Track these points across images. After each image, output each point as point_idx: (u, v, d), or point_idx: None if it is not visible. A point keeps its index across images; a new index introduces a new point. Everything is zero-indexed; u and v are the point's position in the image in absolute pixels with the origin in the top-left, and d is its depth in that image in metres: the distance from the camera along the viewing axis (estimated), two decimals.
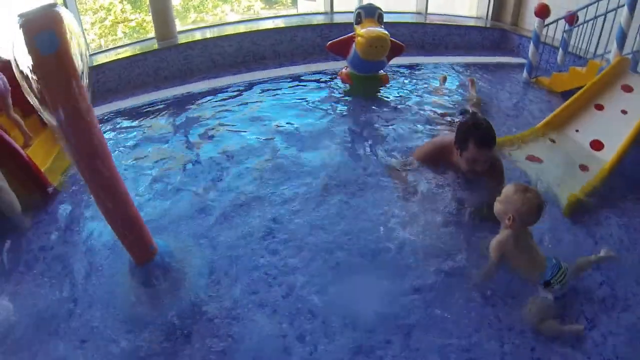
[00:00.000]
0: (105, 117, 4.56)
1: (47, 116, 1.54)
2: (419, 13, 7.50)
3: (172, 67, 5.82)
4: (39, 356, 2.03)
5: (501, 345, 2.01)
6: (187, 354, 2.00)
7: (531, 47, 5.24)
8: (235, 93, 5.05)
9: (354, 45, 4.47)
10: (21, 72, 1.48)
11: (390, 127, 4.05)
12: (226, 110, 4.55)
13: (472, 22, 7.38)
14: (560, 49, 5.24)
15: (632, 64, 4.07)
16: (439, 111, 4.38)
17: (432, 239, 2.54)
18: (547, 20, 5.08)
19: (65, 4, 5.34)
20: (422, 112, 4.39)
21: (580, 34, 4.89)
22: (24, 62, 1.46)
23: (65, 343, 2.07)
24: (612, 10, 4.36)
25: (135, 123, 4.44)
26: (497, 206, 2.22)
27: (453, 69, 5.87)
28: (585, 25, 4.79)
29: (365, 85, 4.77)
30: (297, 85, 5.24)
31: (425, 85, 5.21)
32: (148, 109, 4.78)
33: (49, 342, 2.08)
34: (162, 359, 1.99)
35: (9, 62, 3.28)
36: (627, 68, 3.93)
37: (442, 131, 3.85)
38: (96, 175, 1.78)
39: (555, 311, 2.08)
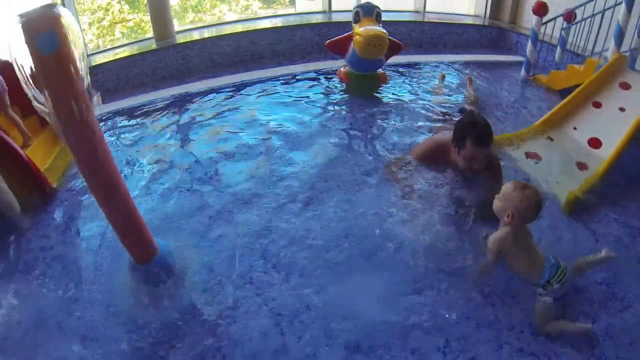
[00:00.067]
0: (104, 117, 4.56)
1: (47, 115, 1.54)
2: (416, 12, 7.50)
3: (170, 67, 5.82)
4: (39, 356, 2.03)
5: (500, 346, 2.01)
6: (187, 353, 2.00)
7: (529, 45, 5.25)
8: (233, 93, 5.05)
9: (352, 44, 4.47)
10: (21, 72, 1.48)
11: (388, 125, 4.06)
12: (225, 110, 4.55)
13: (470, 21, 7.39)
14: (558, 46, 5.25)
15: (630, 61, 4.07)
16: (437, 109, 4.39)
17: (431, 237, 2.54)
18: (545, 18, 5.09)
19: (63, 4, 5.33)
20: (420, 110, 4.39)
21: (578, 32, 4.90)
22: (24, 62, 1.46)
23: (65, 343, 2.07)
24: (609, 8, 4.36)
25: (133, 123, 4.44)
26: (496, 203, 2.22)
27: (451, 67, 5.88)
28: (583, 22, 4.80)
29: (364, 84, 4.78)
30: (296, 85, 5.24)
31: (424, 84, 5.21)
32: (146, 109, 4.78)
33: (49, 342, 2.08)
34: (163, 358, 1.99)
35: (7, 62, 3.29)
36: (625, 65, 3.94)
37: (440, 129, 3.85)
38: (97, 174, 1.79)
39: (556, 312, 2.08)
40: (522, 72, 5.43)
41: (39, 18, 1.45)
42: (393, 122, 4.12)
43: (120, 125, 4.42)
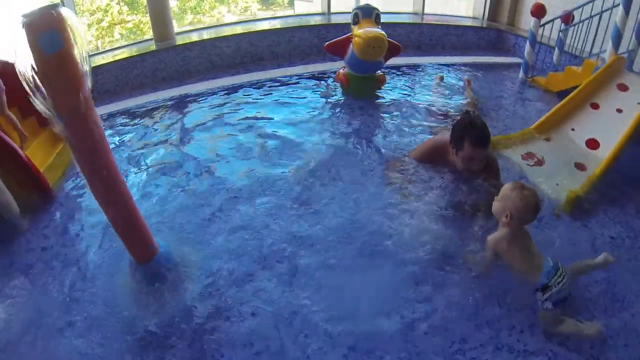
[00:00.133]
0: (103, 118, 4.56)
1: (49, 115, 1.55)
2: (415, 13, 7.53)
3: (170, 68, 5.83)
4: (39, 356, 2.03)
5: (500, 346, 2.02)
6: (187, 353, 2.00)
7: (527, 47, 5.27)
8: (233, 94, 5.06)
9: (351, 45, 4.49)
10: (23, 71, 1.49)
11: (387, 127, 4.07)
12: (224, 111, 4.56)
13: (468, 22, 7.42)
14: (556, 48, 5.28)
15: (628, 63, 4.09)
16: (436, 111, 4.41)
17: (430, 238, 2.55)
18: (543, 20, 5.12)
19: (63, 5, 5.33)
20: (418, 112, 4.41)
21: (576, 34, 4.92)
22: (27, 61, 1.47)
23: (65, 343, 2.07)
24: (607, 10, 4.39)
25: (133, 124, 4.45)
26: (495, 204, 2.24)
27: (450, 69, 5.90)
28: (580, 24, 4.83)
29: (363, 85, 4.79)
30: (295, 86, 5.25)
31: (422, 86, 5.24)
32: (146, 110, 4.79)
33: (48, 342, 2.08)
34: (163, 358, 1.99)
35: (6, 62, 3.30)
36: (623, 67, 3.96)
37: (438, 131, 3.87)
38: (98, 174, 1.79)
39: (561, 315, 2.08)
40: (521, 74, 5.45)
41: (43, 18, 1.46)
42: (391, 124, 4.13)
43: (119, 126, 4.43)
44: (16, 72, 1.55)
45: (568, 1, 5.33)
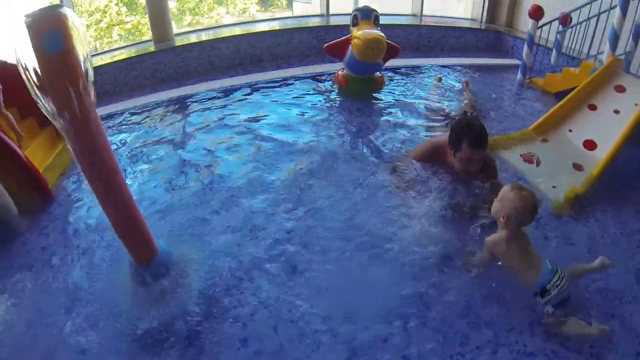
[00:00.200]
0: (103, 119, 4.55)
1: (50, 115, 1.56)
2: (414, 15, 7.56)
3: (169, 69, 5.84)
4: (38, 357, 2.03)
5: (500, 346, 2.02)
6: (187, 353, 2.01)
7: (525, 49, 5.30)
8: (232, 95, 5.07)
9: (350, 47, 4.51)
10: (25, 71, 1.49)
11: (385, 128, 4.09)
12: (224, 112, 4.57)
13: (467, 24, 7.45)
14: (554, 50, 5.31)
15: (625, 64, 4.13)
16: (434, 112, 4.43)
17: (428, 239, 2.55)
18: (541, 22, 5.14)
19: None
20: (417, 113, 4.43)
21: (574, 35, 4.95)
22: (28, 61, 1.48)
23: (65, 344, 2.07)
24: (604, 12, 4.42)
25: (132, 125, 4.46)
26: (494, 205, 2.24)
27: (448, 70, 5.92)
28: (578, 26, 4.86)
29: (362, 87, 4.81)
30: (294, 88, 5.27)
31: (420, 87, 5.25)
32: (145, 111, 4.80)
33: (49, 342, 2.08)
34: (163, 358, 2.00)
35: (4, 62, 3.30)
36: (620, 68, 3.99)
37: (437, 132, 3.89)
38: (99, 174, 1.80)
39: (565, 316, 2.07)
40: (519, 75, 5.48)
41: (45, 18, 1.47)
42: (390, 125, 4.14)
43: (118, 127, 4.43)
44: (15, 72, 1.56)
45: (566, 3, 5.37)
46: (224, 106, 4.75)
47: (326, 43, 4.85)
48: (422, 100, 4.80)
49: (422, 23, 7.22)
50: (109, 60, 5.58)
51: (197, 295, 2.24)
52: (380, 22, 4.68)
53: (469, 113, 4.24)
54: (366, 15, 4.55)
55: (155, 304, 2.16)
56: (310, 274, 2.40)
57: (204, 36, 6.33)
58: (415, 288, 2.29)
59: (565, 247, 2.60)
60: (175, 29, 6.37)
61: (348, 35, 4.64)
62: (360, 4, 4.78)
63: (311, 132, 4.01)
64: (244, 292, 2.30)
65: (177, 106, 4.88)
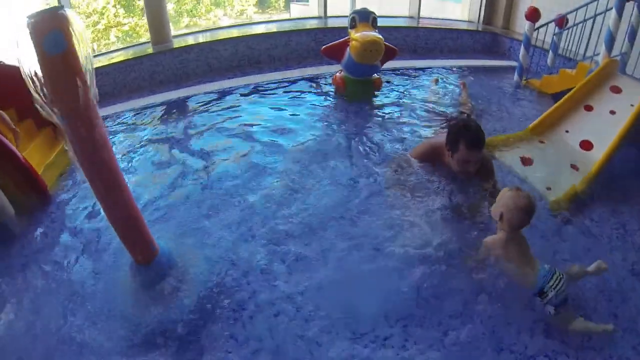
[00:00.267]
0: None
1: (51, 115, 1.57)
2: (411, 17, 7.59)
3: (167, 71, 5.85)
4: (39, 357, 2.03)
5: (499, 346, 2.03)
6: (188, 354, 2.01)
7: (522, 50, 5.33)
8: (230, 97, 5.08)
9: (348, 49, 4.52)
10: (27, 72, 1.50)
11: (383, 129, 4.09)
12: (222, 114, 4.58)
13: (464, 26, 7.49)
14: (551, 51, 5.34)
15: (621, 65, 4.15)
16: (431, 113, 4.45)
17: (428, 239, 2.56)
18: (538, 24, 5.17)
19: None
20: (414, 114, 4.45)
21: (570, 37, 4.98)
22: (30, 62, 1.49)
23: (65, 344, 2.07)
24: (600, 14, 4.44)
25: (131, 126, 4.46)
26: (493, 206, 2.27)
27: (445, 72, 5.95)
28: (574, 28, 4.89)
29: (359, 88, 4.82)
30: (292, 90, 5.28)
31: (418, 88, 5.28)
32: (144, 112, 4.80)
33: (48, 343, 2.08)
34: (162, 358, 2.00)
35: (4, 63, 3.28)
36: (616, 70, 4.02)
37: (434, 133, 3.91)
38: (99, 174, 1.80)
39: (569, 315, 2.09)
40: (515, 77, 5.51)
41: (47, 19, 1.48)
42: (388, 127, 4.15)
43: (117, 128, 4.43)
44: (13, 74, 1.57)
45: (562, 5, 5.40)
46: (222, 108, 4.75)
47: (324, 45, 4.87)
48: (419, 101, 4.82)
49: (420, 25, 7.24)
50: (107, 62, 5.58)
51: (197, 295, 2.24)
52: (378, 24, 4.70)
53: (466, 114, 4.26)
54: (364, 17, 4.57)
55: (155, 304, 2.16)
56: (309, 273, 2.41)
57: (202, 38, 6.34)
58: (414, 288, 2.30)
59: (563, 246, 2.62)
60: (173, 31, 6.38)
61: (346, 38, 4.66)
62: (358, 6, 4.80)
63: (309, 134, 4.02)
64: (243, 292, 2.31)
65: (175, 108, 4.89)
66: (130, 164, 3.65)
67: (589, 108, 3.80)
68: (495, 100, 5.00)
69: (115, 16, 13.78)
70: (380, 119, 4.38)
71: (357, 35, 4.37)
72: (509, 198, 2.18)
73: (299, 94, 5.14)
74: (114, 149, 3.83)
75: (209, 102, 4.96)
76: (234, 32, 6.56)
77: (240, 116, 4.50)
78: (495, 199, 2.28)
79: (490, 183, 2.84)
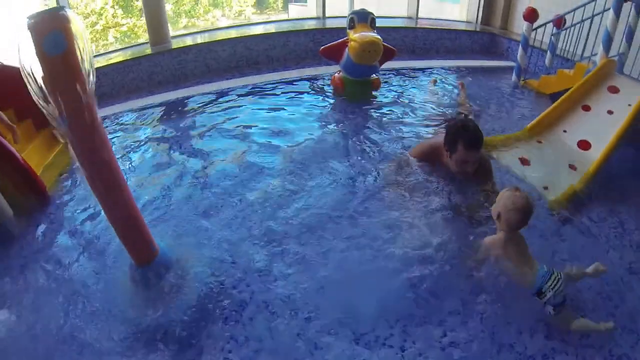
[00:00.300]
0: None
1: (51, 116, 1.57)
2: (409, 18, 7.60)
3: (166, 71, 5.85)
4: (40, 359, 2.04)
5: (499, 346, 2.04)
6: (188, 354, 2.01)
7: (520, 51, 5.35)
8: (229, 98, 5.08)
9: (347, 49, 4.53)
10: (28, 73, 1.50)
11: (381, 130, 4.10)
12: (220, 115, 4.58)
13: (462, 27, 7.51)
14: (549, 51, 5.36)
15: (618, 65, 4.17)
16: (430, 113, 4.46)
17: (426, 238, 2.56)
18: (536, 24, 5.19)
19: None
20: (413, 114, 4.46)
21: (568, 37, 5.00)
22: (30, 63, 1.49)
23: (65, 345, 2.07)
24: (598, 14, 4.47)
25: (129, 127, 4.46)
26: (493, 207, 2.27)
27: (443, 72, 5.96)
28: (572, 28, 4.91)
29: (358, 89, 4.83)
30: (291, 90, 5.29)
31: (416, 89, 5.29)
32: (142, 113, 4.80)
33: (47, 344, 2.08)
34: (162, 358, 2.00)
35: (2, 64, 3.27)
36: (613, 70, 4.03)
37: (433, 133, 3.92)
38: (99, 174, 1.81)
39: (570, 314, 2.10)
40: (514, 77, 5.53)
41: (47, 19, 1.48)
42: (386, 127, 4.16)
43: (116, 129, 4.43)
44: (12, 74, 1.57)
45: (560, 5, 5.42)
46: (221, 109, 4.75)
47: (322, 46, 4.88)
48: (417, 102, 4.83)
49: (418, 25, 7.26)
50: (105, 63, 5.58)
51: (197, 295, 2.25)
52: (376, 25, 4.70)
53: (464, 115, 4.27)
54: (363, 18, 4.58)
55: (155, 304, 2.17)
56: (309, 274, 2.41)
57: (201, 39, 6.34)
58: (414, 288, 2.30)
59: (561, 246, 2.63)
60: (171, 32, 6.38)
61: (344, 38, 4.67)
62: (356, 7, 4.81)
63: (307, 134, 4.03)
64: (243, 292, 2.31)
65: (174, 109, 4.89)
66: (128, 165, 3.64)
67: (586, 108, 3.81)
68: (493, 100, 5.02)
69: (113, 17, 13.73)
70: (378, 119, 4.38)
71: (356, 35, 4.38)
72: (507, 198, 2.19)
73: (298, 94, 5.15)
74: (112, 149, 3.87)
75: (208, 102, 4.96)
76: (232, 33, 6.57)
77: (239, 117, 4.50)
78: (493, 199, 2.29)
79: (488, 183, 2.84)
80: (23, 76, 1.51)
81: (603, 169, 3.18)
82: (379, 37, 4.39)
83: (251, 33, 6.51)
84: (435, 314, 2.18)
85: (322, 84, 5.39)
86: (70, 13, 1.51)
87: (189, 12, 16.05)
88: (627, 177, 3.36)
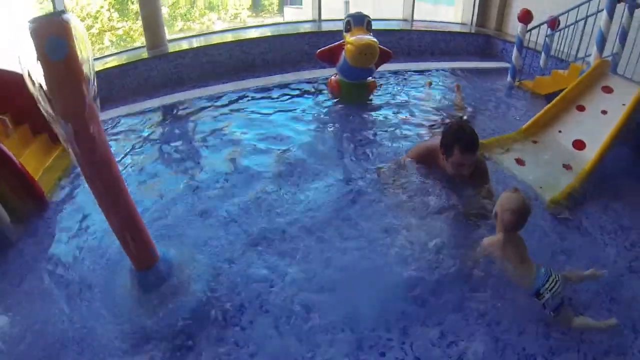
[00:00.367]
0: None
1: (52, 120, 1.57)
2: (405, 20, 7.63)
3: (162, 75, 5.84)
4: None
5: (498, 346, 2.04)
6: (189, 358, 2.01)
7: (515, 52, 5.38)
8: (226, 101, 5.08)
9: (343, 52, 4.55)
10: (30, 78, 1.50)
11: (377, 132, 4.12)
12: (217, 118, 4.59)
13: (457, 28, 7.55)
14: (543, 53, 5.40)
15: (612, 65, 4.20)
16: (426, 115, 4.48)
17: (425, 239, 2.57)
18: (530, 25, 5.23)
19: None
20: (409, 117, 4.47)
21: (562, 38, 5.04)
22: (31, 67, 1.49)
23: (65, 349, 2.07)
24: (592, 15, 4.50)
25: (127, 131, 4.45)
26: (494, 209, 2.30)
27: (439, 74, 5.99)
28: (566, 29, 4.94)
29: (354, 91, 4.85)
30: (287, 93, 5.30)
31: (412, 91, 5.31)
32: (138, 117, 4.79)
33: (47, 349, 2.08)
34: None
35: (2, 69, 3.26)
36: (607, 70, 4.06)
37: (429, 135, 3.93)
38: (100, 178, 1.81)
39: (571, 313, 2.12)
40: (508, 78, 5.56)
41: (48, 24, 1.49)
42: (383, 129, 4.18)
43: (114, 133, 4.42)
44: (9, 79, 1.57)
45: (554, 7, 5.45)
46: (217, 112, 4.76)
47: (318, 49, 4.89)
48: (413, 104, 4.85)
49: (413, 28, 7.28)
50: (102, 67, 5.57)
51: (196, 298, 2.25)
52: (372, 27, 4.72)
53: (460, 117, 4.29)
54: (359, 21, 4.59)
55: (155, 308, 2.16)
56: (308, 276, 2.42)
57: (197, 43, 6.34)
58: (414, 289, 2.31)
59: (558, 245, 2.65)
60: (168, 35, 6.38)
61: (340, 41, 4.68)
62: (352, 10, 4.82)
63: (304, 137, 4.04)
64: (242, 295, 2.32)
65: (170, 112, 4.89)
66: (125, 169, 3.63)
67: (581, 108, 3.84)
68: (488, 101, 5.04)
69: (109, 20, 13.72)
70: (374, 121, 4.40)
71: (352, 38, 4.39)
72: (504, 199, 2.22)
73: (294, 97, 5.16)
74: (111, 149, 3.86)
75: (204, 106, 4.96)
76: (228, 37, 6.57)
77: (235, 120, 4.50)
78: (490, 200, 2.31)
79: (484, 185, 2.86)
80: (25, 80, 1.51)
81: (598, 168, 3.21)
82: (375, 39, 4.41)
83: (247, 36, 6.52)
84: (435, 314, 2.19)
85: (318, 87, 5.40)
86: (71, 17, 1.51)
87: (185, 15, 16.05)
88: (621, 176, 3.39)
